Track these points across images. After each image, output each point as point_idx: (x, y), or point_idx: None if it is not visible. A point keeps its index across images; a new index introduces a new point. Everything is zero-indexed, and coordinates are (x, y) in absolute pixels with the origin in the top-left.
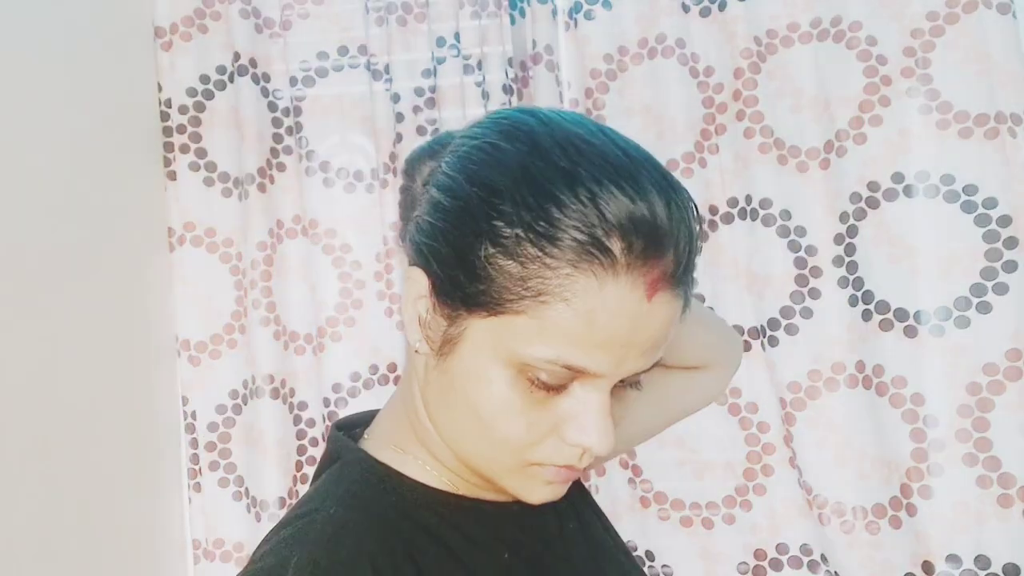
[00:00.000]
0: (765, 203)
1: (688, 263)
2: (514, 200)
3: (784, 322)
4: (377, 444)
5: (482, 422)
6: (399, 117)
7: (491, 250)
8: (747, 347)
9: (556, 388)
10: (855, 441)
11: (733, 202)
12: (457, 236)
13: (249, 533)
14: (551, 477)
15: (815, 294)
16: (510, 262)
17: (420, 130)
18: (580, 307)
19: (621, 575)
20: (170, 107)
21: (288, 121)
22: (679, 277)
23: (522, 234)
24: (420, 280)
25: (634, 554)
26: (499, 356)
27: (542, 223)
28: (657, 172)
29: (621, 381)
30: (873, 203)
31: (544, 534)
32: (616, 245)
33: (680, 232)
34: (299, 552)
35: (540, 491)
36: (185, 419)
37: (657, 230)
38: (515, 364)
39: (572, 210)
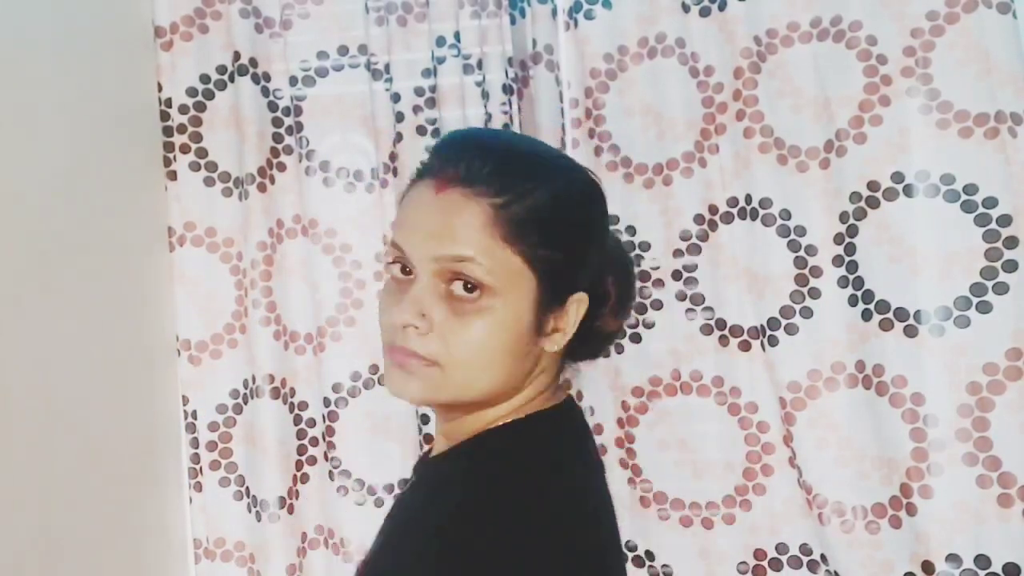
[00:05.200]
0: (765, 203)
1: (478, 174)
2: None
3: (784, 322)
4: None
5: None
6: (399, 117)
7: None
8: (747, 347)
9: (402, 279)
10: (855, 441)
11: (733, 202)
12: None
13: (249, 532)
14: (394, 362)
15: (815, 294)
16: None
17: (420, 130)
18: (401, 205)
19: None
20: (170, 107)
21: (288, 121)
22: (470, 182)
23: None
24: None
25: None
26: None
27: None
28: (484, 135)
29: (454, 289)
30: (873, 203)
31: None
32: (427, 161)
33: (470, 156)
34: None
35: (391, 377)
36: (186, 419)
37: (445, 151)
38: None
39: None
